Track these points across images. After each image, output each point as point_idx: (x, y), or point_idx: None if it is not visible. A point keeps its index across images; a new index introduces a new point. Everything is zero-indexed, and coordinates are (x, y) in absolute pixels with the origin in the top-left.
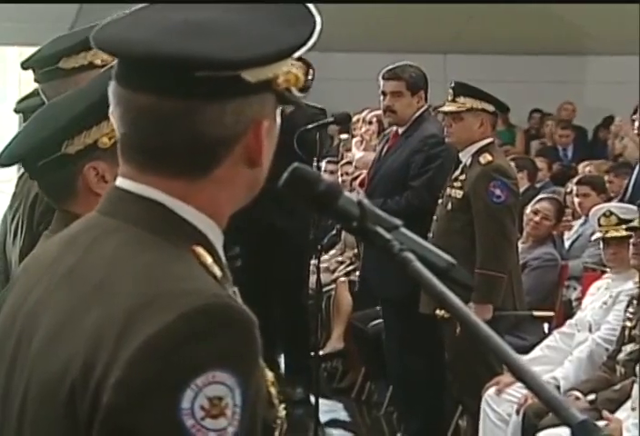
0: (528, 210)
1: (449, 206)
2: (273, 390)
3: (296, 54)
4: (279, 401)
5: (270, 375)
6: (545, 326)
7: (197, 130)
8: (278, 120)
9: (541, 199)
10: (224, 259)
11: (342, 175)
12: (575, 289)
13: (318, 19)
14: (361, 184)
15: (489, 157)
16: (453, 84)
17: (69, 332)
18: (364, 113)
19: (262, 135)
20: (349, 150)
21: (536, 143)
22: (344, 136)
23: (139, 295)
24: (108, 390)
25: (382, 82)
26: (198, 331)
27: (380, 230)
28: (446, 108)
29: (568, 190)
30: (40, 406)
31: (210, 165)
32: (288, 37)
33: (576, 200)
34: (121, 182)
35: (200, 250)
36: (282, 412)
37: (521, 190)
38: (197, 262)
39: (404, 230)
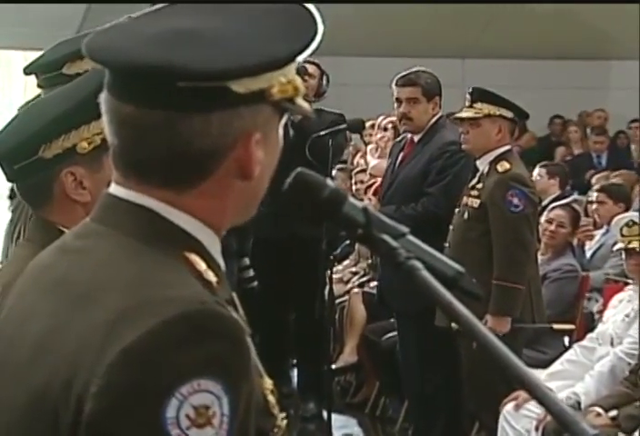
0: (542, 219)
1: (466, 215)
2: (271, 398)
3: (295, 62)
4: (279, 410)
5: (269, 383)
6: (566, 339)
7: (181, 142)
8: (280, 131)
9: (554, 207)
10: (222, 265)
11: (355, 184)
12: (596, 301)
13: (320, 27)
14: (375, 193)
15: (507, 165)
16: (470, 90)
17: (54, 342)
18: (379, 120)
19: (252, 148)
20: (359, 151)
21: (562, 149)
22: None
23: (123, 303)
24: (90, 398)
25: (396, 89)
26: (182, 338)
27: (386, 237)
28: (463, 114)
29: (590, 199)
30: (26, 416)
31: (198, 178)
32: (282, 47)
33: (594, 207)
34: (113, 188)
35: (193, 256)
36: (281, 422)
37: (552, 197)
38: (188, 268)
39: (410, 237)
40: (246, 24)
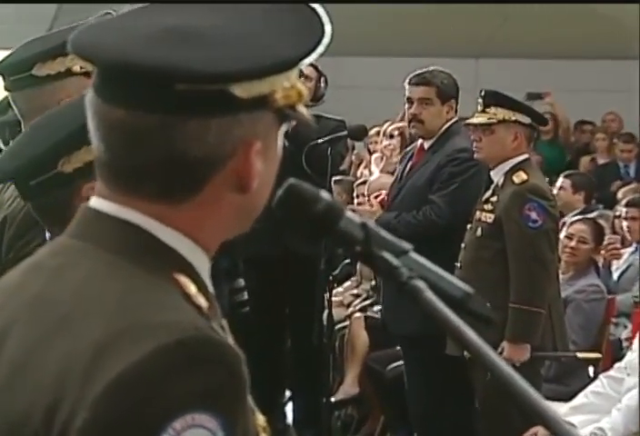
0: (562, 235)
1: (479, 232)
2: None
3: (302, 66)
4: None
5: (261, 419)
6: (591, 369)
7: (176, 149)
8: (280, 141)
9: (574, 221)
10: (210, 288)
11: (357, 197)
12: (624, 327)
13: (328, 28)
14: (382, 203)
15: (524, 176)
16: (483, 93)
17: (32, 369)
18: (384, 126)
19: (252, 158)
20: (362, 160)
21: (586, 159)
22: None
23: (109, 327)
24: (75, 433)
25: (408, 87)
26: (176, 368)
27: (387, 255)
28: (476, 120)
29: (617, 213)
30: None
31: (192, 189)
32: (288, 48)
33: (624, 224)
34: (94, 201)
35: (182, 278)
36: None
37: (576, 211)
38: (178, 291)
39: (414, 255)
40: (249, 24)
